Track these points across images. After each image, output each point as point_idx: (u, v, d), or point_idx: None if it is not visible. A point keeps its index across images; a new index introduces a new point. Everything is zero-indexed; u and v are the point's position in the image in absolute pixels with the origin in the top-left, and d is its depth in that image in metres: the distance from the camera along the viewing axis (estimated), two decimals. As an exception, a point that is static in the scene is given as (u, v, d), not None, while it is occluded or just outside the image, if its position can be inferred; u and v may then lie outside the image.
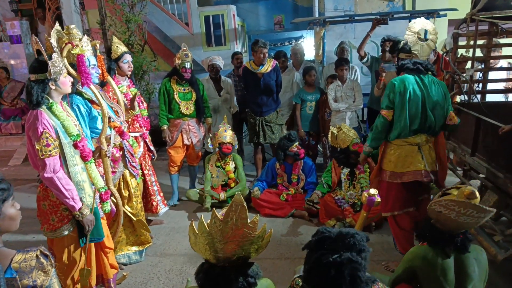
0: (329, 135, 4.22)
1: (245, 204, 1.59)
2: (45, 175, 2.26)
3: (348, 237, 1.47)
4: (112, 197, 2.90)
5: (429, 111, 2.81)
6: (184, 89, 4.48)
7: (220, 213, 1.61)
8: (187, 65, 4.34)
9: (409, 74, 2.86)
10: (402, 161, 2.89)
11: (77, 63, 2.62)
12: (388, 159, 2.95)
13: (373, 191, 2.65)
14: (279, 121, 5.18)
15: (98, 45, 3.03)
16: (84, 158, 2.50)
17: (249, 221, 1.60)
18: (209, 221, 1.61)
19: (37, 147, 2.24)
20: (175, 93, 4.44)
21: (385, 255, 3.38)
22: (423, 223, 2.11)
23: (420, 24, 3.02)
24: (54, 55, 2.32)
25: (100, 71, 3.00)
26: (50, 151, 2.26)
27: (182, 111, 4.46)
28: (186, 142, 4.59)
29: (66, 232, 2.43)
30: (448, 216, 1.87)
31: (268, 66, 4.87)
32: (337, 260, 1.42)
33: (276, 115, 5.12)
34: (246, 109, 5.57)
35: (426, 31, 3.11)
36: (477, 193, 1.83)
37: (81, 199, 2.40)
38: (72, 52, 2.65)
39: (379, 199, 2.63)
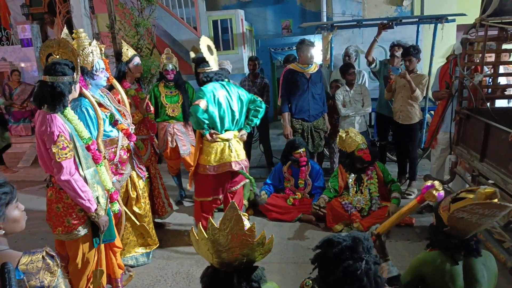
0: (337, 139, 4.21)
1: (240, 213, 1.59)
2: (62, 177, 2.29)
3: (364, 240, 1.49)
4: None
5: (234, 111, 3.41)
6: (171, 92, 4.48)
7: (219, 220, 1.61)
8: (169, 66, 4.33)
9: (215, 82, 3.41)
10: (218, 156, 3.41)
11: None
12: (206, 155, 3.41)
13: (438, 184, 2.13)
14: (326, 127, 4.94)
15: (103, 49, 3.07)
16: (95, 160, 2.55)
17: (246, 228, 1.59)
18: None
19: (53, 150, 2.27)
20: (161, 96, 4.44)
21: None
22: (433, 231, 2.06)
23: (205, 41, 3.49)
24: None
25: (108, 75, 3.03)
26: (66, 154, 2.30)
27: (168, 113, 4.46)
28: (170, 145, 4.50)
29: (82, 233, 2.47)
30: (470, 220, 1.83)
31: (315, 66, 4.70)
32: (367, 267, 1.45)
33: (323, 121, 4.88)
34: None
35: (209, 46, 3.57)
36: (498, 192, 1.80)
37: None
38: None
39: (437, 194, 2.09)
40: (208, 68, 3.57)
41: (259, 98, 3.63)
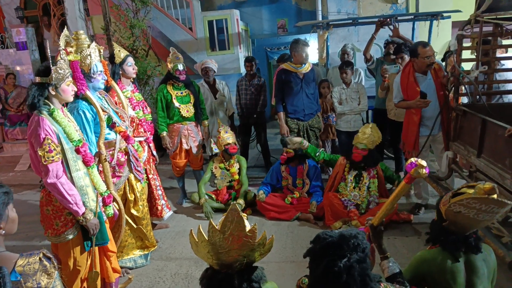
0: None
1: (241, 214, 1.57)
2: (48, 180, 2.27)
3: (351, 238, 1.47)
4: (114, 202, 2.91)
5: None
6: (181, 93, 4.48)
7: (219, 221, 1.60)
8: (180, 66, 4.35)
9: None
10: None
11: (71, 70, 2.63)
12: None
13: (420, 160, 2.08)
14: (320, 126, 4.94)
15: (102, 50, 3.06)
16: (86, 163, 2.51)
17: (247, 229, 1.58)
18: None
19: (39, 153, 2.25)
20: (173, 98, 4.43)
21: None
22: (433, 227, 2.05)
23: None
24: (60, 61, 2.35)
25: (106, 77, 3.02)
26: (52, 157, 2.27)
27: (183, 115, 4.47)
28: (185, 146, 4.58)
29: (70, 236, 2.43)
30: (467, 215, 1.81)
31: (308, 65, 4.68)
32: (347, 264, 1.41)
33: (318, 119, 4.88)
34: (255, 114, 5.56)
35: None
36: (497, 188, 1.77)
37: (84, 203, 2.41)
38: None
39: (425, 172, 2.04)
40: None
41: None
